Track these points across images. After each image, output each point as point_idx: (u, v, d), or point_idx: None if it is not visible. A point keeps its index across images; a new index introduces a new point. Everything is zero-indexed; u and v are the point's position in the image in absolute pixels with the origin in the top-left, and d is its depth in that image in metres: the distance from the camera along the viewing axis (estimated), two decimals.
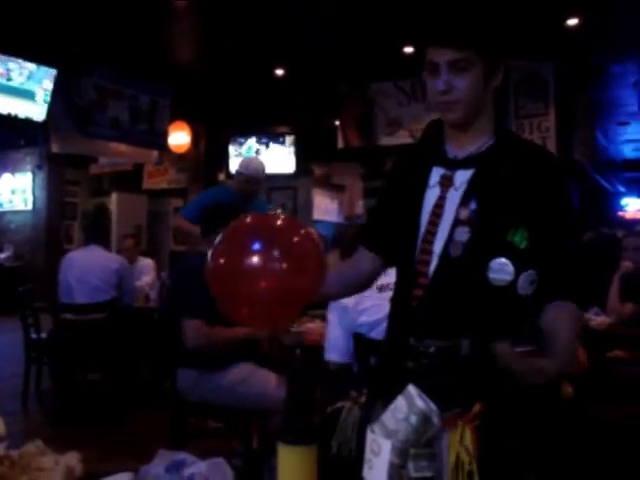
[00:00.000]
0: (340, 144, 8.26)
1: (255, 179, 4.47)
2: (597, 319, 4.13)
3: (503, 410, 1.14)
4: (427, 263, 1.38)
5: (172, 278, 3.39)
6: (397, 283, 1.49)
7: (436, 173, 1.44)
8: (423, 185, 1.44)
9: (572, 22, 6.05)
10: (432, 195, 1.42)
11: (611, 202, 13.89)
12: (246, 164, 4.56)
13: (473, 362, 1.28)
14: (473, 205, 1.35)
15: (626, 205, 14.40)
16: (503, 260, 1.28)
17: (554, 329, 1.23)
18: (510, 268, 1.28)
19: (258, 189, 4.56)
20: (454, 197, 1.39)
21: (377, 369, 1.43)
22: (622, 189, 14.01)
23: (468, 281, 1.33)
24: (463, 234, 1.34)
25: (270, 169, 9.19)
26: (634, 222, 12.16)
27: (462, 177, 1.40)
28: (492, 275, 1.29)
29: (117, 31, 6.16)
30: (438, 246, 1.37)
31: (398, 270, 1.49)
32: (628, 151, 12.08)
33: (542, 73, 7.20)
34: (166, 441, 2.94)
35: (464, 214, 1.36)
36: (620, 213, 14.04)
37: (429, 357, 1.29)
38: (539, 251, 1.31)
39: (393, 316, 1.48)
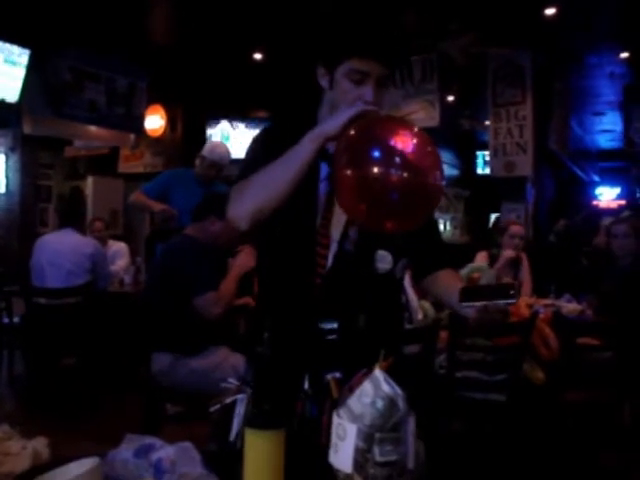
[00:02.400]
0: None
1: (218, 164, 4.44)
2: (568, 306, 4.16)
3: (400, 363, 1.29)
4: (325, 256, 1.56)
5: (163, 261, 3.39)
6: (289, 272, 1.60)
7: (323, 169, 1.58)
8: (316, 179, 1.57)
9: (549, 11, 6.09)
10: (322, 190, 1.58)
11: (586, 191, 14.07)
12: (211, 149, 4.53)
13: (369, 331, 1.56)
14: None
15: (600, 194, 14.59)
16: (384, 252, 1.58)
17: (454, 285, 1.58)
18: (389, 258, 1.58)
19: (220, 174, 4.52)
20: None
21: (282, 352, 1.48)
22: (597, 178, 14.19)
23: (360, 270, 1.57)
24: (354, 232, 1.56)
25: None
26: (608, 211, 12.32)
27: None
28: (377, 265, 1.57)
29: (92, 12, 6.05)
30: (334, 240, 1.56)
31: (290, 260, 1.59)
32: (603, 141, 12.23)
33: (520, 61, 7.23)
34: (139, 426, 2.94)
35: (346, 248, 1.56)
36: (595, 202, 14.23)
37: (335, 332, 1.53)
38: (414, 243, 1.60)
39: (289, 302, 1.60)
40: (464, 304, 1.45)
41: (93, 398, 4.39)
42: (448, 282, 1.66)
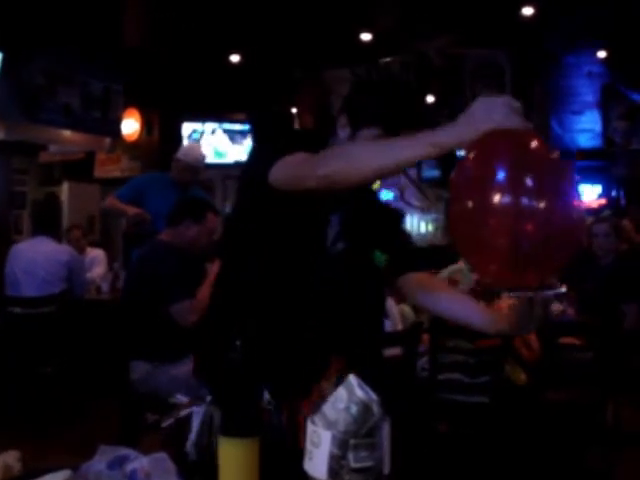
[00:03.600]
0: None
1: (194, 167, 4.38)
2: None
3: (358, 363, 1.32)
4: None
5: (138, 267, 3.36)
6: (286, 283, 1.58)
7: None
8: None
9: (527, 12, 6.14)
10: None
11: None
12: (185, 151, 4.48)
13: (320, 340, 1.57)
14: (341, 245, 1.58)
15: (581, 193, 14.73)
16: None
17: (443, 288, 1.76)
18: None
19: (196, 178, 4.47)
20: (329, 232, 1.59)
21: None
22: (577, 177, 14.32)
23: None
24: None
25: (228, 158, 9.19)
26: (589, 210, 12.42)
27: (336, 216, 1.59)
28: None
29: (66, 15, 6.01)
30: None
31: (291, 277, 1.57)
32: (583, 140, 12.34)
33: (498, 61, 7.29)
34: (117, 436, 2.90)
35: (334, 250, 1.59)
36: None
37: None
38: (395, 262, 1.67)
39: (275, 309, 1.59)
40: (511, 293, 1.31)
41: (70, 409, 4.33)
42: (449, 294, 1.71)
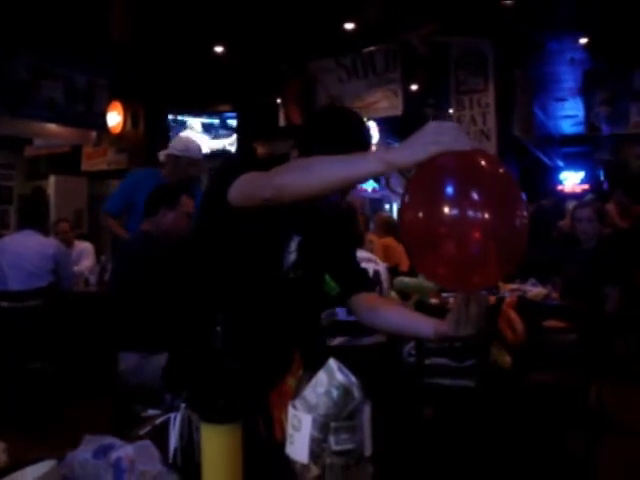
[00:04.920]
0: (282, 122, 8.24)
1: (197, 161, 4.10)
2: (534, 290, 4.23)
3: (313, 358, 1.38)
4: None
5: (119, 259, 3.36)
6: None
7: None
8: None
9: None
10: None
11: (550, 176, 14.28)
12: (185, 145, 4.13)
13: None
14: (299, 271, 1.66)
15: (565, 179, 14.82)
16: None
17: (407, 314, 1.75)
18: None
19: (199, 172, 4.24)
20: (287, 258, 1.66)
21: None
22: (561, 163, 14.41)
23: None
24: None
25: (212, 148, 9.16)
26: (573, 195, 12.53)
27: (294, 242, 1.66)
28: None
29: (49, 9, 5.95)
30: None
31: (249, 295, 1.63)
32: (566, 126, 12.40)
33: (482, 49, 7.30)
34: (108, 428, 2.90)
35: (291, 276, 1.66)
36: (559, 187, 14.46)
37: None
38: (345, 285, 1.80)
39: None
40: (444, 294, 1.44)
41: (59, 402, 4.33)
42: (395, 311, 1.74)
